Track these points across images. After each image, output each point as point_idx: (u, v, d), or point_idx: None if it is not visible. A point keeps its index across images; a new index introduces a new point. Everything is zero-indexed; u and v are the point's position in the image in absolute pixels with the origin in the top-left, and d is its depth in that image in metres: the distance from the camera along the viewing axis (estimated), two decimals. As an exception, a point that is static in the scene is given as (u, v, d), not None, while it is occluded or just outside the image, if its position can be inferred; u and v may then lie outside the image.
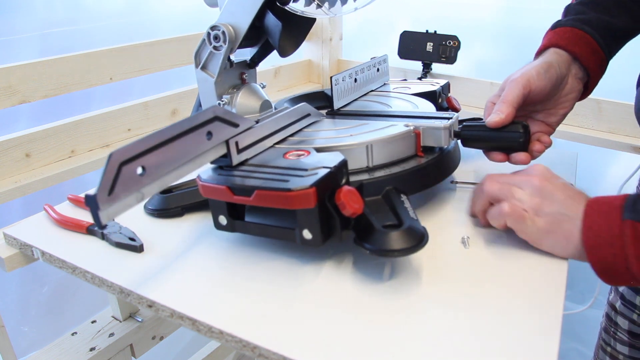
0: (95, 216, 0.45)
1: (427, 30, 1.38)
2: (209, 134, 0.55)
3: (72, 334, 0.83)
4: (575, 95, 0.72)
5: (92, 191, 0.44)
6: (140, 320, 0.86)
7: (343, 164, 0.57)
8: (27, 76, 0.98)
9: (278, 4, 0.71)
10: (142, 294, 0.55)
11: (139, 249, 0.63)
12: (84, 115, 1.10)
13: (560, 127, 1.26)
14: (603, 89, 1.27)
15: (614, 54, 0.75)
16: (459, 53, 1.37)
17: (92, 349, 0.79)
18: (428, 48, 1.37)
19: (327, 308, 0.52)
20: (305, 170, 0.55)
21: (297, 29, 0.76)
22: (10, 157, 0.96)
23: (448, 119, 0.68)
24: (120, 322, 0.85)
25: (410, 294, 0.54)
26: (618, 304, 0.87)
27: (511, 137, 0.66)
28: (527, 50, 1.45)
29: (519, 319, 0.51)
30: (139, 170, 0.48)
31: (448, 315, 0.52)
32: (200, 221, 0.69)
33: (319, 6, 0.71)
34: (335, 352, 0.47)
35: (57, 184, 1.04)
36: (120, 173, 0.46)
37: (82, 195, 0.77)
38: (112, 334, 0.83)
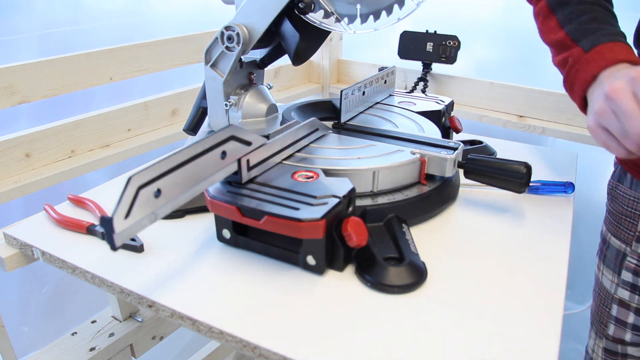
0: (110, 239, 0.45)
1: (427, 30, 1.38)
2: (224, 153, 0.55)
3: (72, 334, 0.83)
4: None
5: (105, 213, 0.44)
6: (140, 320, 0.86)
7: (351, 193, 0.57)
8: (27, 76, 0.98)
9: (297, 12, 0.71)
10: (143, 294, 0.55)
11: (139, 249, 0.63)
12: (84, 115, 1.10)
13: (560, 127, 1.27)
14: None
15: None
16: (459, 53, 1.37)
17: (92, 349, 0.79)
18: (428, 48, 1.37)
19: (327, 308, 0.52)
20: (315, 197, 0.56)
21: (312, 39, 0.75)
22: (10, 157, 0.96)
23: (454, 149, 0.69)
24: (120, 322, 0.85)
25: (411, 294, 0.54)
26: (628, 337, 0.86)
27: (513, 177, 0.67)
28: (526, 50, 1.45)
29: (520, 319, 0.51)
30: (155, 192, 0.48)
31: (449, 316, 0.52)
32: (201, 223, 0.69)
33: (337, 20, 0.71)
34: (336, 352, 0.47)
35: (57, 184, 1.04)
36: (137, 196, 0.46)
37: (83, 195, 0.77)
38: (112, 334, 0.83)
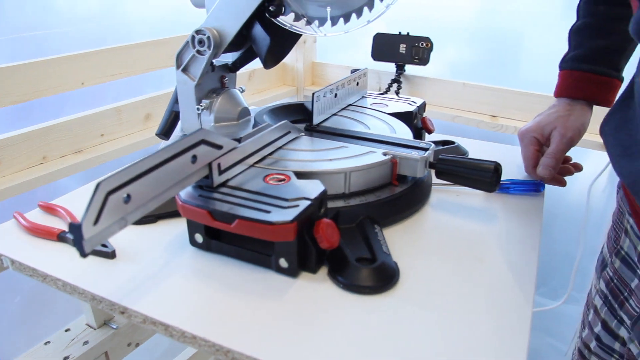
0: (79, 245, 0.45)
1: (399, 32, 1.40)
2: (194, 157, 0.55)
3: (45, 343, 0.82)
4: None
5: (77, 219, 0.44)
6: (115, 327, 0.85)
7: (323, 195, 0.58)
8: (-5, 81, 0.97)
9: (267, 15, 0.71)
10: (115, 301, 0.55)
11: (111, 255, 0.62)
12: (56, 120, 1.08)
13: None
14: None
15: (624, 63, 0.83)
16: (432, 54, 1.38)
17: (66, 358, 0.78)
18: (401, 50, 1.39)
19: (301, 310, 0.53)
20: (286, 200, 0.56)
21: (283, 42, 0.75)
22: (-21, 164, 0.95)
23: (425, 149, 0.69)
24: (95, 329, 0.84)
25: (383, 294, 0.55)
26: (593, 345, 0.86)
27: (483, 177, 0.68)
28: (500, 52, 1.48)
29: (490, 318, 0.52)
30: (124, 198, 0.47)
31: (421, 315, 0.52)
32: (174, 228, 0.69)
33: (308, 23, 0.72)
34: (309, 353, 0.47)
35: (29, 191, 1.02)
36: (106, 202, 0.45)
37: (54, 202, 0.76)
38: (86, 342, 0.82)
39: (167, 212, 0.70)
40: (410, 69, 1.44)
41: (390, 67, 1.45)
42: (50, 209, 0.74)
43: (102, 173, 1.06)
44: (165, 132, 0.84)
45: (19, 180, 1.00)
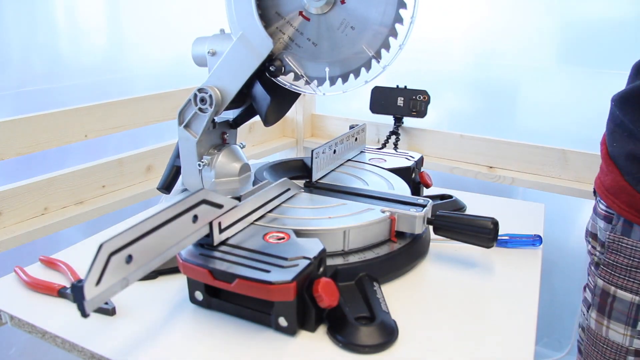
0: (81, 306, 0.45)
1: (397, 86, 1.43)
2: (195, 217, 0.56)
3: (41, 400, 0.80)
4: None
5: (77, 275, 0.45)
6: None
7: (322, 254, 0.58)
8: (0, 134, 0.99)
9: (268, 75, 0.73)
10: (114, 359, 0.55)
11: (111, 312, 0.62)
12: (58, 172, 1.10)
13: (527, 177, 1.30)
14: (569, 139, 1.31)
15: None
16: (431, 105, 1.41)
17: (61, 415, 0.77)
18: (399, 103, 1.41)
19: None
20: (286, 259, 0.57)
21: (283, 100, 0.78)
22: (-19, 216, 0.96)
23: (423, 206, 0.71)
24: (91, 385, 0.83)
25: (382, 353, 0.55)
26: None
27: (481, 233, 0.69)
28: (496, 101, 1.50)
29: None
30: (126, 258, 0.48)
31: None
32: (174, 284, 0.69)
33: (307, 82, 0.74)
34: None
35: (30, 242, 1.02)
36: (108, 263, 0.46)
37: (54, 256, 0.77)
38: (82, 399, 0.80)
39: (167, 268, 0.70)
40: (408, 121, 1.47)
41: (388, 120, 1.48)
42: (51, 264, 0.75)
43: (103, 224, 1.07)
44: (166, 186, 0.85)
45: (20, 232, 1.00)
